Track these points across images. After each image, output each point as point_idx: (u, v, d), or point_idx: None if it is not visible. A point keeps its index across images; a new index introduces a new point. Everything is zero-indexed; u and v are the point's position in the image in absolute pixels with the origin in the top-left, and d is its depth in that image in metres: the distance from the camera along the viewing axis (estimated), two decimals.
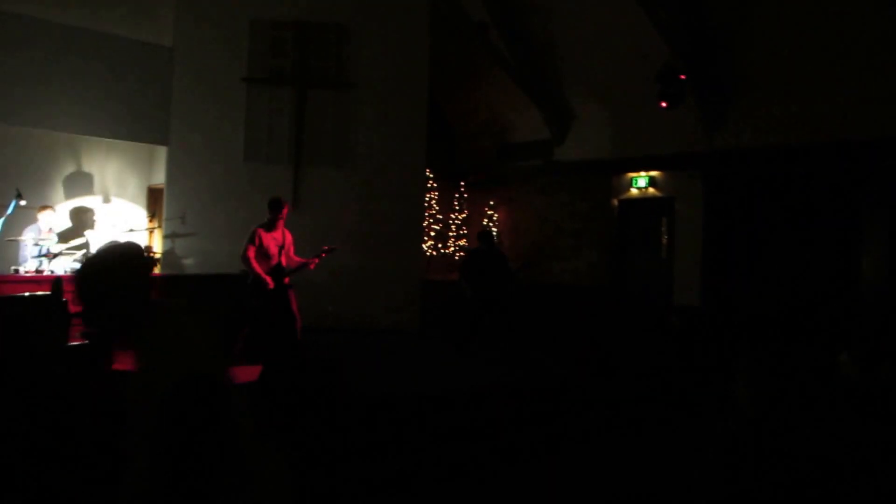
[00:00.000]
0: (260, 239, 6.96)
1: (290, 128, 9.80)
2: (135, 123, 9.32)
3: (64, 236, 8.54)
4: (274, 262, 7.06)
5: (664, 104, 8.66)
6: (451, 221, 12.55)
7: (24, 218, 8.03)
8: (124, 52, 9.18)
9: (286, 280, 7.13)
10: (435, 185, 12.18)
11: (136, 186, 10.40)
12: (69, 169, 9.63)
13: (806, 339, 6.90)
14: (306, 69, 9.85)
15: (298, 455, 4.52)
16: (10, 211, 7.20)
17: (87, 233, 8.71)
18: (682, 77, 8.48)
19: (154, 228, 9.76)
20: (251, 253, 6.91)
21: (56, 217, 8.27)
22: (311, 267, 7.24)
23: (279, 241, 7.11)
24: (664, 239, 9.94)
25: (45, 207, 8.19)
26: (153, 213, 9.54)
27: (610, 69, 9.68)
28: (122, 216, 9.33)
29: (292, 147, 9.78)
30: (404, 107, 10.16)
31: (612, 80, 9.80)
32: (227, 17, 9.72)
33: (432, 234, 12.20)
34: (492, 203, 12.26)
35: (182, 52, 9.60)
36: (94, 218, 9.29)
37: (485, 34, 9.77)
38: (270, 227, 7.06)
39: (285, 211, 7.14)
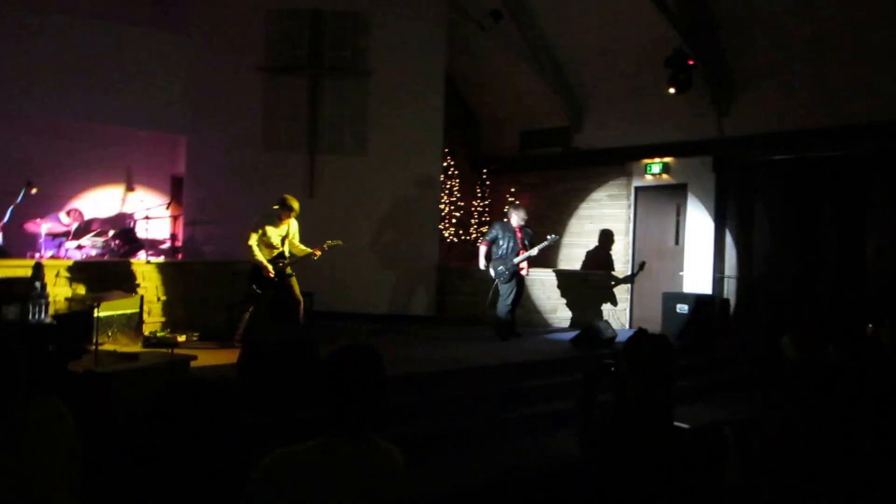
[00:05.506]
0: (264, 231, 7.22)
1: (308, 117, 10.02)
2: (156, 113, 9.62)
3: (86, 225, 8.99)
4: (277, 251, 7.31)
5: (673, 90, 8.56)
6: (473, 209, 12.64)
7: (46, 206, 8.52)
8: (145, 43, 9.48)
9: (288, 268, 7.37)
10: (457, 172, 12.28)
11: (159, 175, 10.79)
12: (92, 158, 10.05)
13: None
14: (322, 58, 10.03)
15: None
16: (19, 199, 7.61)
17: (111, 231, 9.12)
18: (691, 62, 8.36)
19: (177, 216, 10.14)
20: (253, 241, 7.18)
21: (78, 220, 8.67)
22: (315, 257, 7.43)
23: (283, 232, 7.35)
24: (677, 225, 9.86)
25: (72, 211, 8.65)
26: (170, 200, 9.91)
27: (623, 56, 9.60)
28: (143, 204, 9.70)
29: (309, 135, 10.00)
30: (421, 94, 10.26)
31: (625, 67, 9.72)
32: (244, 7, 9.94)
33: (453, 221, 12.30)
34: (513, 190, 12.30)
35: (201, 42, 9.86)
36: (115, 206, 9.75)
37: (498, 22, 9.78)
38: (277, 222, 7.30)
39: (295, 212, 7.29)
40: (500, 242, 8.46)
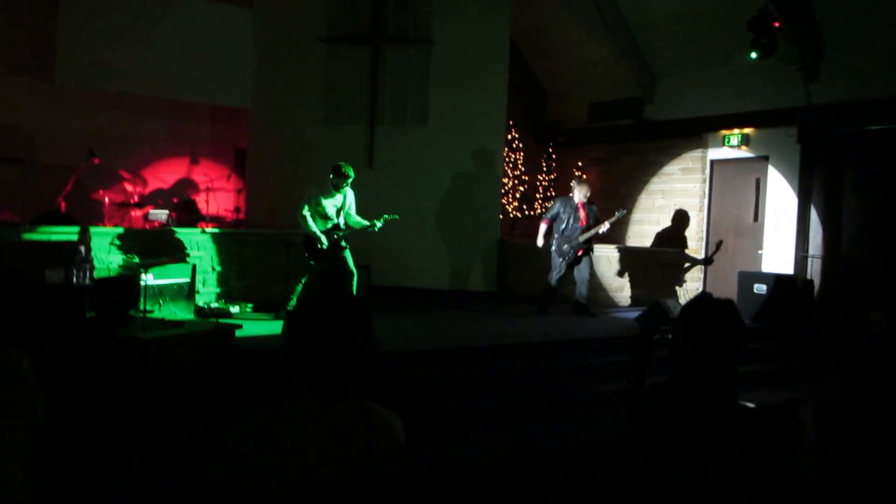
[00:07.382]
0: (318, 201, 7.03)
1: (369, 87, 9.83)
2: (219, 85, 9.65)
3: (150, 195, 9.12)
4: (331, 222, 7.13)
5: (755, 55, 7.92)
6: (538, 183, 12.23)
7: (111, 177, 8.66)
8: (208, 14, 9.49)
9: (343, 240, 7.18)
10: (521, 144, 11.90)
11: (223, 147, 10.84)
12: (156, 130, 10.15)
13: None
14: (384, 27, 9.80)
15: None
16: (81, 170, 7.73)
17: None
18: (776, 25, 7.69)
19: (240, 189, 10.16)
20: (307, 211, 7.01)
21: (141, 189, 8.83)
22: (371, 230, 7.20)
23: (338, 203, 7.14)
24: (756, 200, 9.20)
25: (131, 175, 8.81)
26: (230, 173, 9.93)
27: (699, 20, 8.97)
28: (206, 176, 9.75)
29: (370, 106, 9.81)
30: (484, 63, 9.90)
31: (702, 31, 9.08)
32: None
33: (517, 195, 11.94)
34: (580, 164, 11.82)
35: (263, 12, 9.80)
36: (180, 178, 9.85)
37: None
38: (331, 192, 7.10)
39: (349, 179, 7.05)
40: (562, 218, 8.16)
